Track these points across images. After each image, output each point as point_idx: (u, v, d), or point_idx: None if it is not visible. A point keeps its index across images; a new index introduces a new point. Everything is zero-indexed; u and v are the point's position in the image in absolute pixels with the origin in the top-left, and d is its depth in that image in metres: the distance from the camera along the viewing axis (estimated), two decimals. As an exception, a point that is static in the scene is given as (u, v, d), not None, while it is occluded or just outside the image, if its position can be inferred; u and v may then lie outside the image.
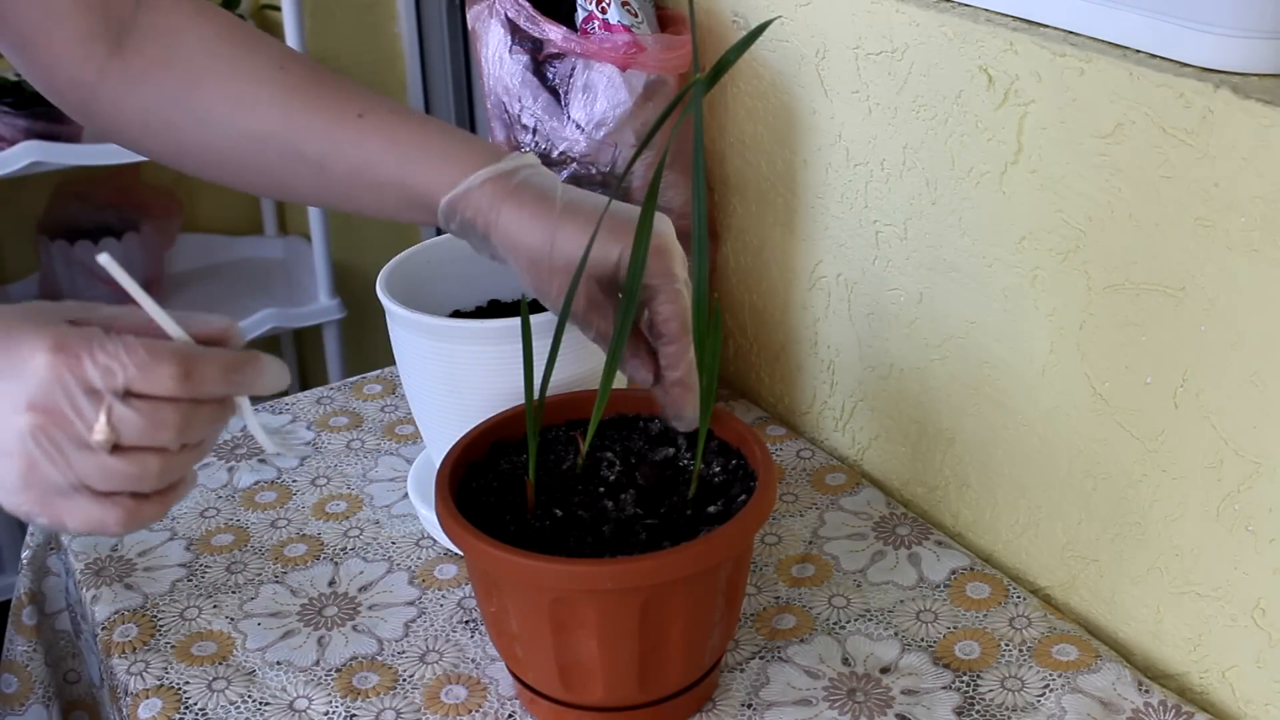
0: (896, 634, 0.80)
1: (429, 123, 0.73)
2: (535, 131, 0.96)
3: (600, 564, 0.65)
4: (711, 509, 0.70)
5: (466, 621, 0.82)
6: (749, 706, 0.75)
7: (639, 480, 0.73)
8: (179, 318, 0.57)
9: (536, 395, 0.71)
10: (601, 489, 0.72)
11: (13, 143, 1.68)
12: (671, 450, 0.75)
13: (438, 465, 0.73)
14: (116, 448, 0.54)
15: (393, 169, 0.71)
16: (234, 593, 0.85)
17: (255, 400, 0.60)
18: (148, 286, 2.18)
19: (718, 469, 0.73)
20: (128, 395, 0.53)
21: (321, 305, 2.01)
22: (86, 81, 0.74)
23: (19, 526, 1.96)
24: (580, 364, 0.81)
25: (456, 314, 0.91)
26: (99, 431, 0.52)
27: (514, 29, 0.96)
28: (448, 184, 0.70)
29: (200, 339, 0.57)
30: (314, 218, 1.89)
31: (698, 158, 0.63)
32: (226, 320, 0.58)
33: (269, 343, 2.21)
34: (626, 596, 0.65)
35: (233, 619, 0.83)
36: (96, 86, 0.74)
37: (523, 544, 0.66)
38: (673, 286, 0.68)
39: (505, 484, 0.73)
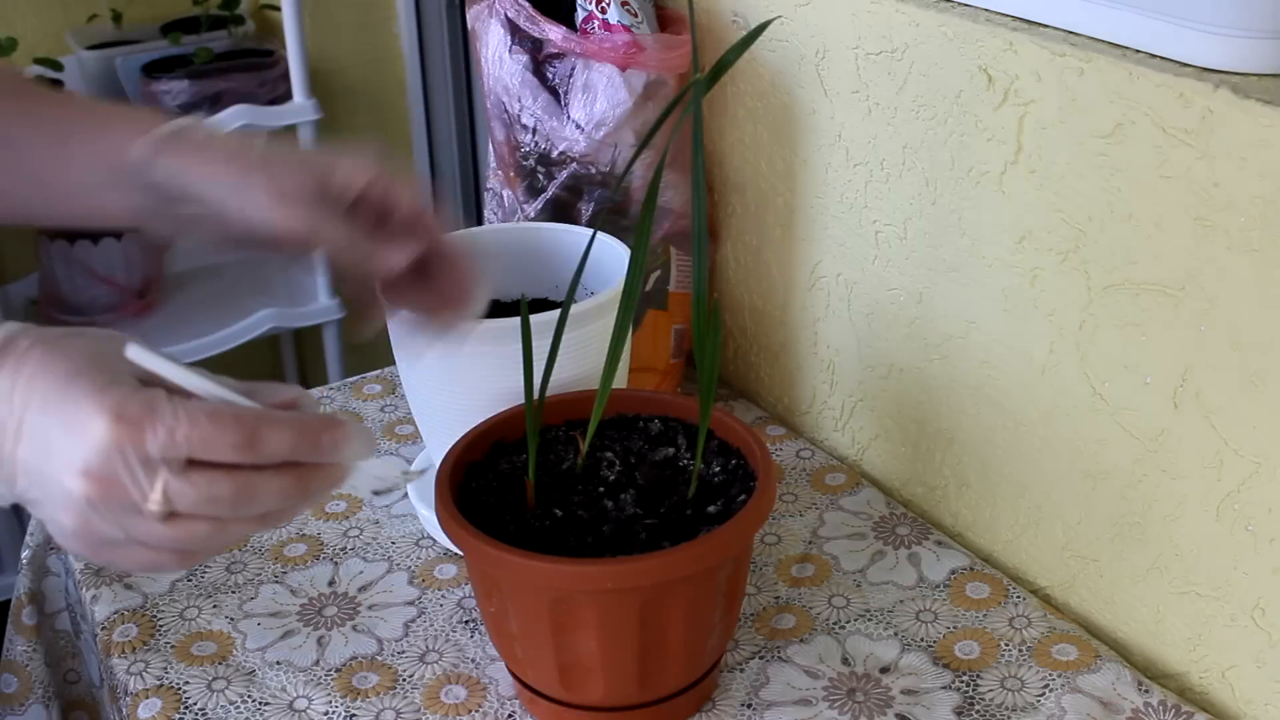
0: (896, 634, 0.80)
1: (128, 105, 0.72)
2: (535, 131, 0.96)
3: (600, 564, 0.65)
4: (711, 509, 0.70)
5: (466, 621, 0.82)
6: (749, 706, 0.75)
7: (639, 480, 0.73)
8: (248, 389, 0.55)
9: (536, 395, 0.71)
10: (601, 489, 0.72)
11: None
12: (671, 450, 0.75)
13: (437, 465, 0.73)
14: (171, 514, 0.53)
15: (89, 132, 0.69)
16: (234, 593, 0.85)
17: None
18: (147, 286, 2.17)
19: (718, 469, 0.73)
20: (188, 463, 0.52)
21: (321, 305, 2.01)
22: None
23: (19, 526, 1.96)
24: (581, 364, 0.81)
25: (456, 314, 0.91)
26: (153, 503, 0.52)
27: (514, 29, 0.96)
28: (141, 134, 0.67)
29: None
30: (314, 218, 1.89)
31: (697, 158, 0.63)
32: (296, 390, 0.56)
33: (269, 343, 2.21)
34: (626, 596, 0.65)
35: (232, 619, 0.83)
36: None
37: (523, 544, 0.66)
38: (391, 179, 0.67)
39: (505, 484, 0.73)
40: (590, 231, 0.89)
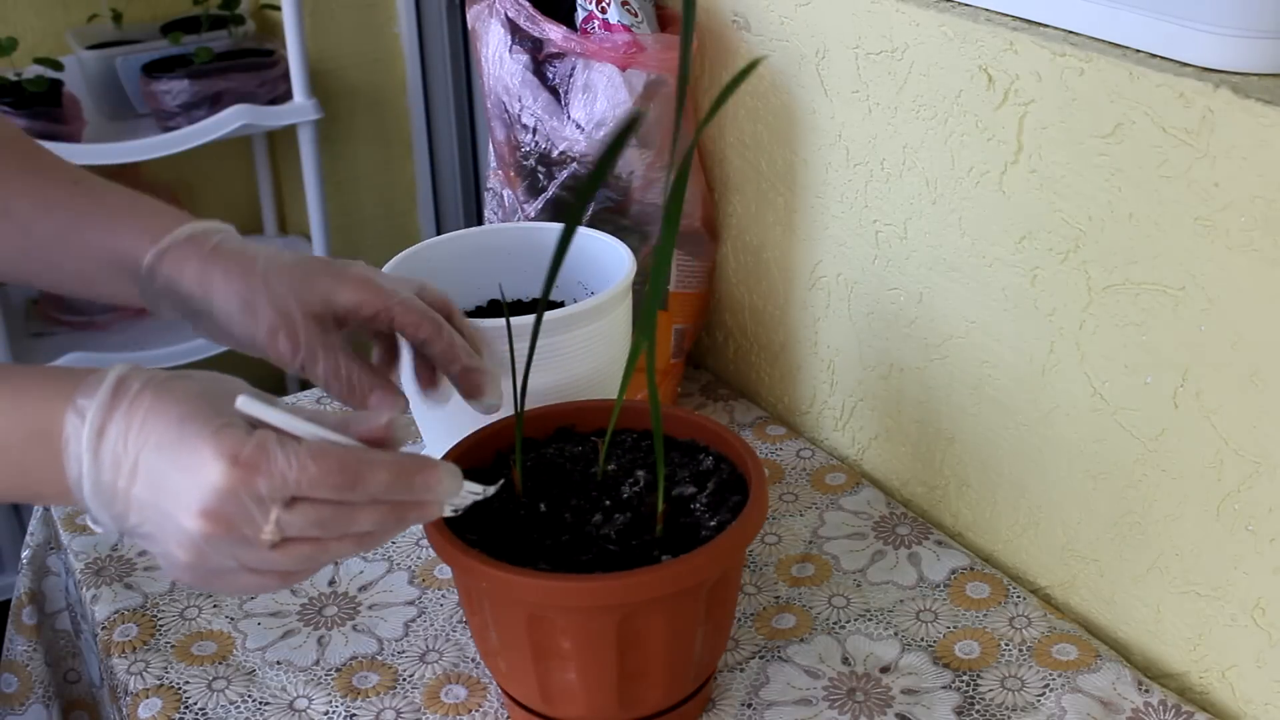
0: (896, 634, 0.80)
1: (138, 194, 0.74)
2: (535, 131, 0.96)
3: (576, 580, 0.63)
4: (713, 522, 0.69)
5: (466, 621, 0.82)
6: (749, 706, 0.75)
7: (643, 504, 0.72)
8: (342, 422, 0.59)
9: (519, 388, 0.70)
10: (608, 501, 0.72)
11: (13, 142, 1.68)
12: (689, 475, 0.74)
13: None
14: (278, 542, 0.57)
15: (100, 227, 0.72)
16: (234, 592, 0.86)
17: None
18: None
19: (712, 487, 0.72)
20: (294, 499, 0.56)
21: (321, 305, 2.01)
22: None
23: (19, 526, 1.96)
24: (584, 363, 0.81)
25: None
26: (266, 535, 0.56)
27: (514, 29, 0.96)
28: (151, 240, 0.70)
29: (366, 439, 0.60)
30: (314, 218, 1.89)
31: (676, 151, 0.62)
32: (387, 417, 0.60)
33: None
34: (602, 614, 0.65)
35: (232, 619, 0.83)
36: None
37: (511, 553, 0.65)
38: (396, 302, 0.70)
39: (506, 490, 0.73)
40: (587, 231, 0.89)
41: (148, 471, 0.56)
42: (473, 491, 0.62)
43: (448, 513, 0.61)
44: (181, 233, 0.70)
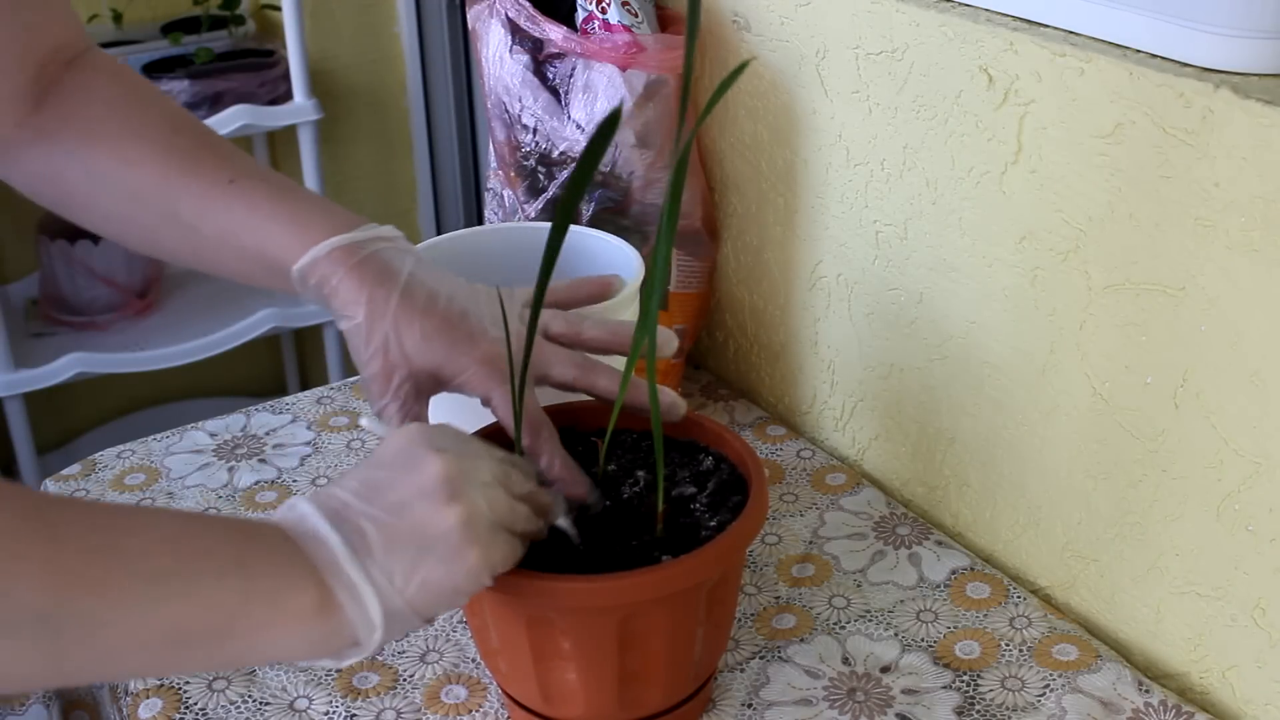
0: (896, 634, 0.80)
1: (292, 191, 0.75)
2: (535, 131, 0.96)
3: (575, 580, 0.63)
4: (713, 522, 0.69)
5: (466, 621, 0.82)
6: (749, 706, 0.75)
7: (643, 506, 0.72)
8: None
9: (519, 388, 0.70)
10: (608, 501, 0.71)
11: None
12: (689, 475, 0.74)
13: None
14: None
15: (253, 235, 0.73)
16: (234, 593, 0.85)
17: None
18: (148, 286, 2.16)
19: (711, 487, 0.72)
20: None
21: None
22: (2, 135, 0.75)
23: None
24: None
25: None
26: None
27: (514, 29, 0.96)
28: (299, 251, 0.71)
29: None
30: (314, 218, 1.89)
31: (679, 148, 0.62)
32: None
33: (269, 342, 2.21)
34: (601, 616, 0.64)
35: (233, 619, 0.83)
36: (7, 138, 0.75)
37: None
38: (498, 398, 0.71)
39: None
40: (595, 233, 0.89)
41: (393, 552, 0.58)
42: (565, 519, 0.67)
43: (562, 524, 0.66)
44: (324, 247, 0.71)
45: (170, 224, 0.75)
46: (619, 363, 0.76)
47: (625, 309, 0.82)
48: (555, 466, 0.69)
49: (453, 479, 0.59)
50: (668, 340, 0.74)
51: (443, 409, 0.74)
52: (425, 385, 0.71)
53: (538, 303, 0.65)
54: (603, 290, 0.80)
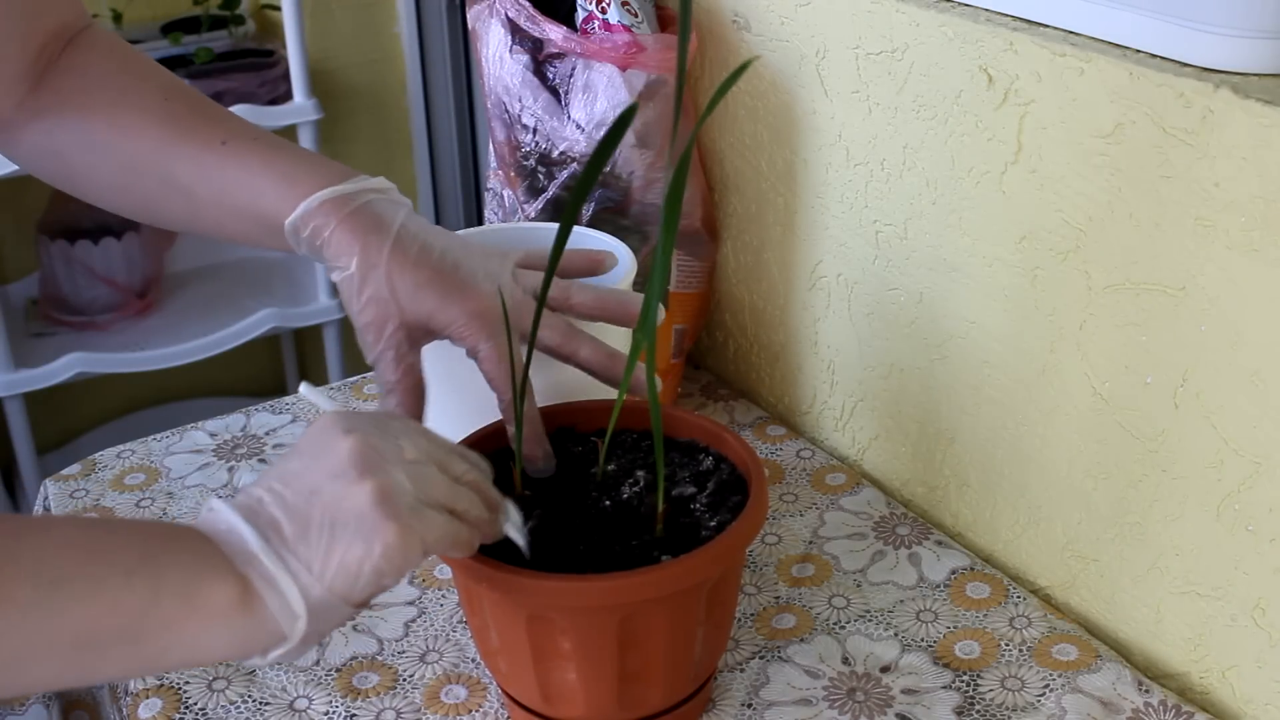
0: (896, 634, 0.80)
1: (285, 148, 0.75)
2: (535, 131, 0.96)
3: (575, 580, 0.63)
4: (713, 522, 0.69)
5: (466, 622, 0.82)
6: (749, 706, 0.75)
7: (644, 504, 0.72)
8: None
9: (519, 388, 0.70)
10: (608, 501, 0.72)
11: (13, 142, 1.68)
12: (689, 475, 0.74)
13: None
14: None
15: (246, 193, 0.73)
16: (234, 592, 0.85)
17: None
18: (147, 286, 2.16)
19: (712, 488, 0.72)
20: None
21: (321, 305, 2.01)
22: (2, 116, 0.76)
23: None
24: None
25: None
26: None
27: (514, 29, 0.96)
28: (292, 205, 0.71)
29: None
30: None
31: (676, 147, 0.62)
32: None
33: (269, 342, 2.21)
34: (602, 615, 0.64)
35: (233, 619, 0.83)
36: (7, 119, 0.76)
37: (507, 546, 0.65)
38: (484, 348, 0.71)
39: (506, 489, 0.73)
40: (588, 232, 0.89)
41: (306, 528, 0.57)
42: (515, 524, 0.65)
43: (507, 530, 0.64)
44: (315, 199, 0.71)
45: (168, 189, 0.75)
46: (604, 332, 0.76)
47: None
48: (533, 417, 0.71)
49: (364, 456, 0.58)
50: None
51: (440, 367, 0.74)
52: (417, 335, 0.72)
53: (542, 301, 0.65)
54: (592, 266, 0.81)
